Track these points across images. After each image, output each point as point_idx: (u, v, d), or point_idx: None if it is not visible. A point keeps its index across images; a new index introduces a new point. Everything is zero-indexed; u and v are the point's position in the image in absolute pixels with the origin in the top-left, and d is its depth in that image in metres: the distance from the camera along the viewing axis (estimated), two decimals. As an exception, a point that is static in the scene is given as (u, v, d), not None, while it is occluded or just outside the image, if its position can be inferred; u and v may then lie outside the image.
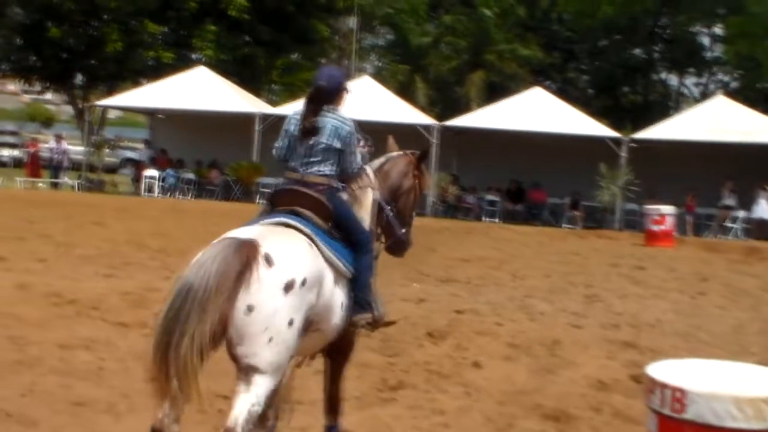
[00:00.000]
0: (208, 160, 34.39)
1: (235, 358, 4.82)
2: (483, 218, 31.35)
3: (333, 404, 6.04)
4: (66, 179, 35.66)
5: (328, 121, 5.62)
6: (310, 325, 5.08)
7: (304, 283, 4.89)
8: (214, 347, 4.82)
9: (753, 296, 14.85)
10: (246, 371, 4.79)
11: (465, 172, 32.68)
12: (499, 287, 14.51)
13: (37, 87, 51.26)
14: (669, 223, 24.33)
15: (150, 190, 33.31)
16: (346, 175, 5.78)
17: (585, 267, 18.10)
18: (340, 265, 5.39)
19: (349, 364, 6.19)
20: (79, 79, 49.15)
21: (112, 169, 44.33)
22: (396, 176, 6.25)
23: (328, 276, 5.25)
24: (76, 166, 37.00)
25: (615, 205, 30.50)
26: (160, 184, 33.52)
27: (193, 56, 47.00)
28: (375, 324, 5.82)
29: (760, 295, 15.03)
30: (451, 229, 25.56)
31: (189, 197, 32.62)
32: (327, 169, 5.62)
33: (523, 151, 31.59)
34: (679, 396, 4.07)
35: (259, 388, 4.78)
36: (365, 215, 5.91)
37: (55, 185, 35.05)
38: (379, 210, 6.08)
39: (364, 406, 7.33)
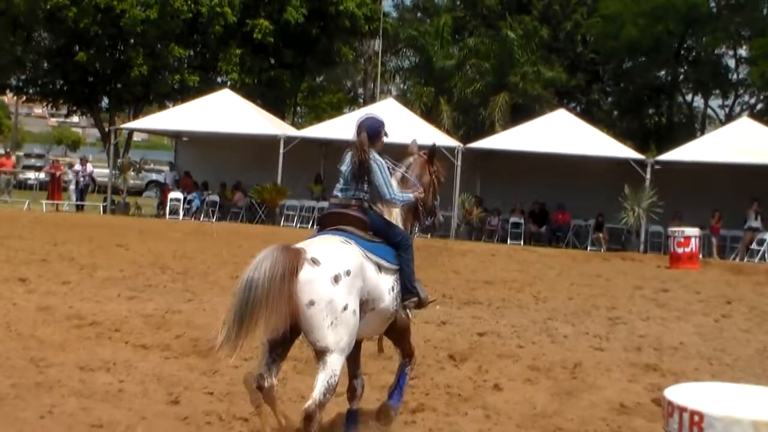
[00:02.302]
0: (233, 183, 34.50)
1: (310, 343, 6.12)
2: (507, 240, 31.23)
3: (406, 353, 7.36)
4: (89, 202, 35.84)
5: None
6: (365, 304, 6.37)
7: (348, 273, 6.13)
8: (285, 331, 6.10)
9: (778, 319, 14.72)
10: (320, 354, 6.07)
11: (489, 194, 32.63)
12: (521, 310, 14.45)
13: (64, 110, 51.76)
14: (694, 245, 24.16)
15: (174, 212, 33.43)
16: (379, 201, 6.93)
17: (609, 289, 17.97)
18: (380, 260, 6.62)
19: (411, 347, 7.39)
20: (105, 102, 49.56)
21: (137, 192, 44.64)
22: (416, 179, 7.46)
23: (370, 267, 6.48)
24: (101, 189, 37.18)
25: (639, 227, 30.31)
26: (185, 206, 33.64)
27: (219, 79, 47.30)
28: (420, 305, 7.08)
29: (785, 318, 14.87)
30: (475, 252, 25.53)
31: (213, 219, 32.68)
32: (360, 194, 6.83)
33: (547, 173, 31.53)
34: (697, 420, 4.04)
35: (332, 364, 6.05)
36: (403, 218, 7.22)
37: (80, 208, 35.23)
38: (415, 209, 7.40)
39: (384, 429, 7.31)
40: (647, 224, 30.26)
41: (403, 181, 7.33)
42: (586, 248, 30.68)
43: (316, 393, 5.99)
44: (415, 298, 6.94)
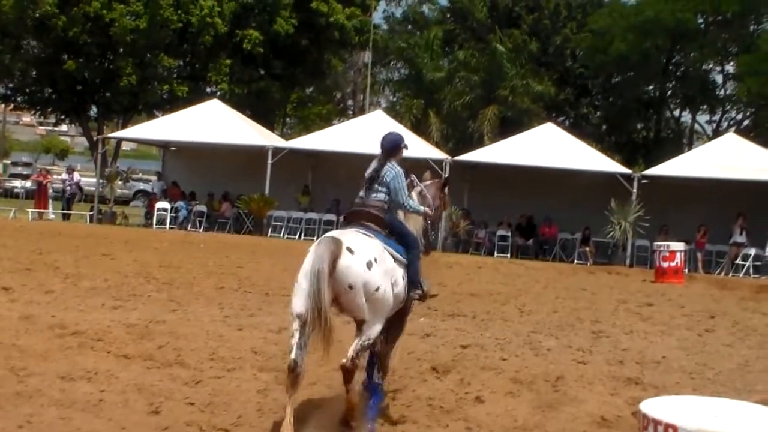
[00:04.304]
0: (220, 193, 34.46)
1: (349, 316, 7.37)
2: (494, 253, 31.25)
3: (382, 362, 8.10)
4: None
5: (386, 168, 7.98)
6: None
7: (376, 260, 7.24)
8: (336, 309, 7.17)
9: (761, 334, 14.70)
10: (360, 323, 7.27)
11: (476, 207, 32.63)
12: (506, 322, 14.45)
13: (52, 119, 51.64)
14: (679, 260, 24.20)
15: (161, 222, 33.37)
16: (398, 206, 8.03)
17: (593, 303, 17.96)
18: (395, 253, 7.68)
19: (402, 334, 8.46)
20: (93, 111, 49.46)
21: (124, 201, 44.54)
22: (431, 199, 8.66)
23: (388, 257, 7.55)
24: (89, 198, 37.09)
25: (626, 241, 30.36)
26: (172, 216, 33.58)
27: (208, 89, 47.29)
28: (423, 297, 8.27)
29: (768, 332, 14.91)
30: (461, 264, 25.52)
31: (199, 230, 32.66)
32: (381, 196, 7.92)
33: (534, 186, 31.59)
34: (670, 433, 4.05)
35: (369, 331, 7.28)
36: (415, 227, 8.32)
37: (66, 217, 35.13)
38: (425, 229, 8.60)
39: (365, 441, 7.33)
40: (633, 238, 30.31)
41: (422, 197, 8.55)
42: (573, 261, 30.76)
43: (350, 352, 7.06)
44: (420, 291, 8.09)
